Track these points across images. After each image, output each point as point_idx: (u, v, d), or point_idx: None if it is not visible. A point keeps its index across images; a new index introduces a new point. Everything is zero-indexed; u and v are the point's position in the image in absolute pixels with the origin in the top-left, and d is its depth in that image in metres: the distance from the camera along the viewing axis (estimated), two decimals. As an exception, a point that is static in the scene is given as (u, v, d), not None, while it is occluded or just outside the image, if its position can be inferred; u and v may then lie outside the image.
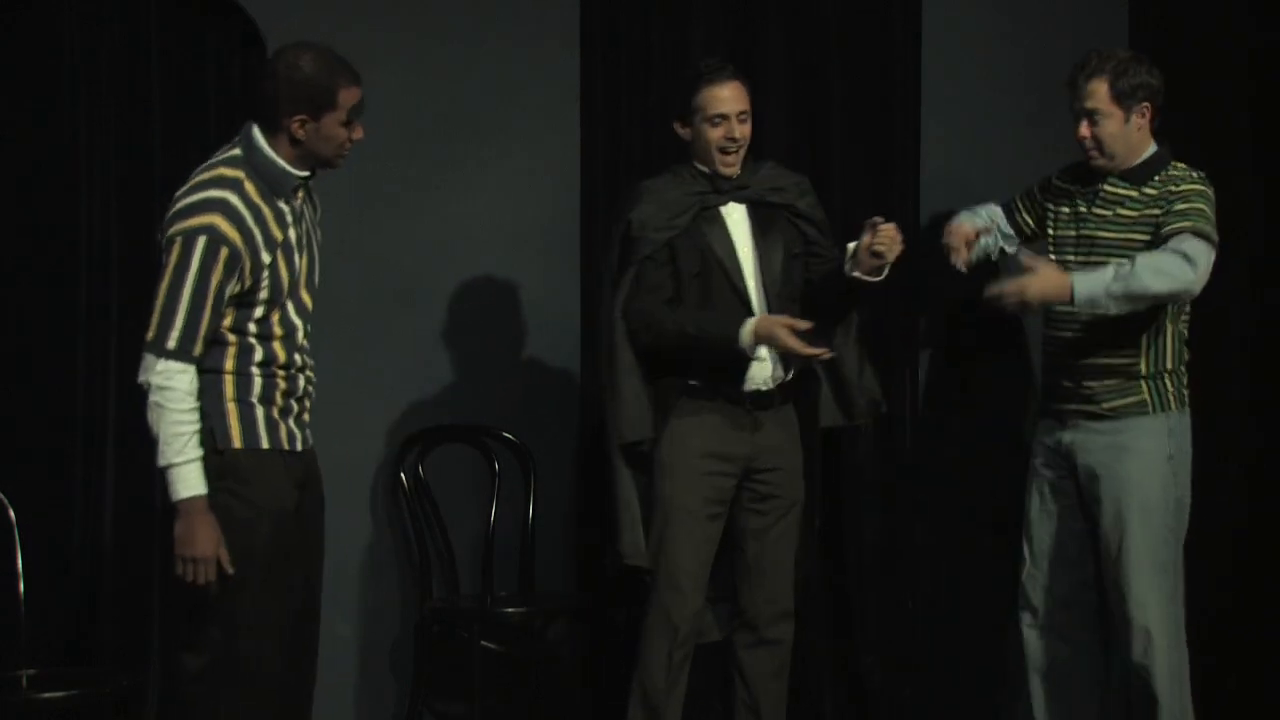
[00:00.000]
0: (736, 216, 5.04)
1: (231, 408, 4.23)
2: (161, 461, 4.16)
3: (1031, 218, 5.20)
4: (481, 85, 5.72)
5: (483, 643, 5.55)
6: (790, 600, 5.14)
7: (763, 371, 5.00)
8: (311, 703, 4.48)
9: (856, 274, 4.88)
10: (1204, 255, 4.83)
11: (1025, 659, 5.15)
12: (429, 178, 5.68)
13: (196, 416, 4.17)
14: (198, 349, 4.15)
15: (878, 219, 4.83)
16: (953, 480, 5.89)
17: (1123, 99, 4.92)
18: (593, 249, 5.74)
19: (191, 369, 4.15)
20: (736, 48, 5.77)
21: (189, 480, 4.15)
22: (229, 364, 4.23)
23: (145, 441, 5.44)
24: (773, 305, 5.00)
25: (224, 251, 4.13)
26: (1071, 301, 4.81)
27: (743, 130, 4.97)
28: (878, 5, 5.87)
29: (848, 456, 5.67)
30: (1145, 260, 4.80)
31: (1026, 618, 5.14)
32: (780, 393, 5.05)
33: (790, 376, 5.04)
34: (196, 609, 4.25)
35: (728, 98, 4.94)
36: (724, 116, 4.93)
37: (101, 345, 5.50)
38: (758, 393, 5.01)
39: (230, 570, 4.18)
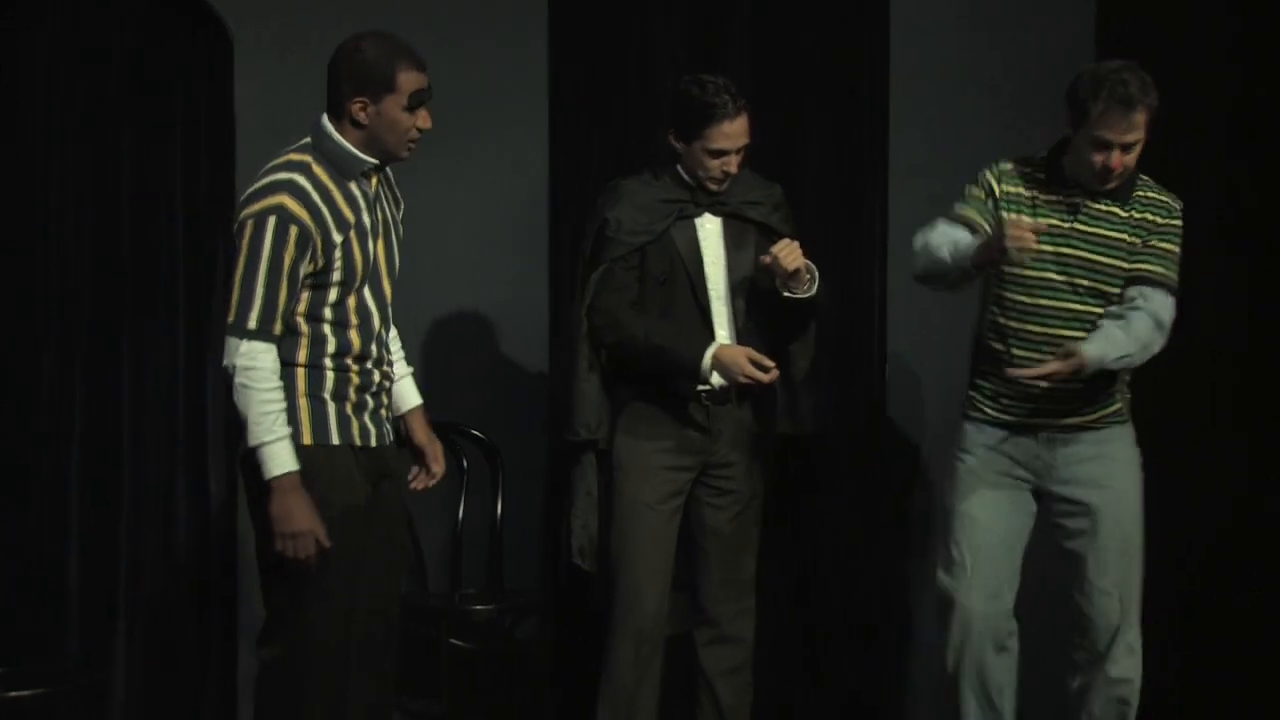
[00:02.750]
0: (710, 228, 5.04)
1: (303, 403, 4.23)
2: (252, 441, 4.13)
3: (989, 225, 4.98)
4: (451, 87, 5.67)
5: (451, 640, 5.56)
6: (751, 596, 5.15)
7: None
8: (389, 701, 4.48)
9: (786, 292, 4.94)
10: (1172, 314, 4.83)
11: (960, 669, 5.02)
12: (398, 178, 5.67)
13: (282, 395, 4.17)
14: (277, 328, 4.16)
15: (771, 252, 4.87)
16: (923, 481, 5.92)
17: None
18: (561, 249, 5.77)
19: (274, 348, 4.16)
20: (702, 46, 5.78)
21: (281, 458, 4.14)
22: (302, 356, 4.23)
23: (109, 438, 5.54)
24: (738, 320, 5.02)
25: (294, 230, 4.15)
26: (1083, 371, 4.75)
27: (737, 161, 4.96)
28: (845, 6, 5.88)
29: (814, 456, 5.69)
30: (1141, 337, 4.75)
31: (957, 628, 4.98)
32: (737, 390, 5.03)
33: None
34: (270, 601, 4.27)
35: (733, 134, 4.90)
36: (725, 152, 4.92)
37: (66, 342, 5.50)
38: (713, 390, 5.02)
39: (328, 544, 4.17)
